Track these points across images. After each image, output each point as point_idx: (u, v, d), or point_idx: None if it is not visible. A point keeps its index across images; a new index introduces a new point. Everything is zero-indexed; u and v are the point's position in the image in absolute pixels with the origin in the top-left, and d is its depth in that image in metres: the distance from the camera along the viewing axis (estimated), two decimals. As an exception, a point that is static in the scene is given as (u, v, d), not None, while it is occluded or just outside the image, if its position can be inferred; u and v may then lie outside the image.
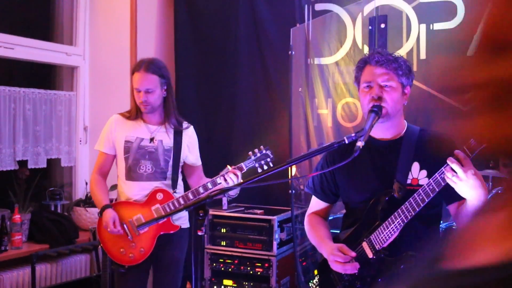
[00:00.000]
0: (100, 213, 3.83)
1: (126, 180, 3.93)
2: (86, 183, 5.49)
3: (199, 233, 2.28)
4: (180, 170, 4.06)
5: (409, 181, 2.57)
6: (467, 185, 2.26)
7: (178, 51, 6.00)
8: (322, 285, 2.87)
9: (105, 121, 4.03)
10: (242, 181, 3.63)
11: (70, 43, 5.75)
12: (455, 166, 2.23)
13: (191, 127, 4.11)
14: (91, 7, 5.80)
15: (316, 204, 2.92)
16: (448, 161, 2.25)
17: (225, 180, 3.68)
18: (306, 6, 5.35)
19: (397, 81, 2.58)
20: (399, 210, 2.48)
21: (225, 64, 5.83)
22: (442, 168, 2.31)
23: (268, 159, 3.82)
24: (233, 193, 3.97)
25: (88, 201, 5.38)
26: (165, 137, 3.96)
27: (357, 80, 2.68)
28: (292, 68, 5.18)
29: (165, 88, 3.92)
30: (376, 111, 2.51)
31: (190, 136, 4.09)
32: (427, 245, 2.66)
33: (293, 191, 5.02)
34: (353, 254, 2.58)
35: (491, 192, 4.01)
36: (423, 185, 2.43)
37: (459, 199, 2.41)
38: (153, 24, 5.98)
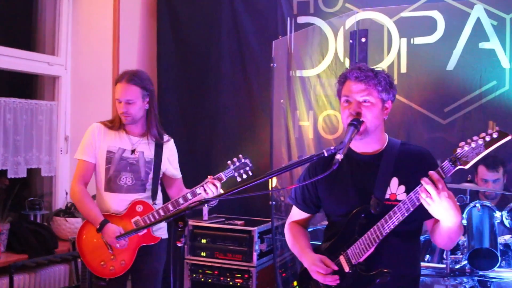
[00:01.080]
0: (100, 229, 3.75)
1: (105, 191, 3.90)
2: (66, 193, 5.45)
3: (179, 244, 2.26)
4: (159, 181, 4.05)
5: (387, 196, 2.58)
6: (440, 206, 2.28)
7: (160, 62, 6.02)
8: (301, 294, 2.89)
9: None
10: (222, 192, 3.63)
11: (52, 53, 5.73)
12: (429, 188, 2.25)
13: (171, 141, 4.10)
14: (73, 17, 5.79)
15: (297, 214, 2.94)
16: (422, 182, 2.28)
17: (205, 190, 3.69)
18: (288, 19, 5.40)
19: (376, 97, 2.60)
20: (375, 226, 2.50)
21: (207, 76, 5.85)
22: (417, 188, 2.34)
23: (247, 168, 3.81)
24: (213, 202, 3.97)
25: (68, 211, 5.35)
26: (146, 149, 3.94)
27: (339, 94, 2.70)
28: (274, 80, 5.21)
29: (147, 100, 3.90)
30: (355, 124, 2.53)
31: (170, 149, 4.08)
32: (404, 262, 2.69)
33: (274, 202, 5.03)
34: (335, 267, 2.60)
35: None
36: (401, 200, 2.45)
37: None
38: (135, 35, 5.99)
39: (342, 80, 2.67)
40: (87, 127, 3.96)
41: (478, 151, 2.23)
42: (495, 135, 2.22)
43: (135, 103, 3.83)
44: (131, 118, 3.85)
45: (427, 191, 2.26)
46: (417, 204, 2.34)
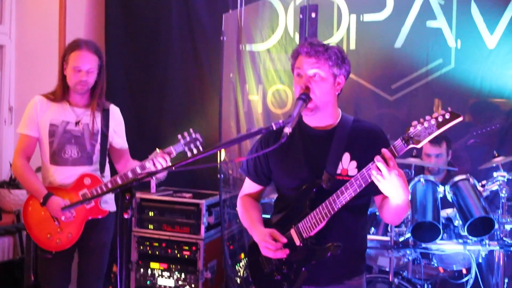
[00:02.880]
0: (44, 203, 3.69)
1: (51, 165, 3.82)
2: (10, 165, 5.33)
3: (125, 216, 2.25)
4: (107, 154, 3.99)
5: (339, 171, 2.61)
6: (390, 184, 2.33)
7: (108, 33, 5.89)
8: (250, 267, 2.90)
9: (32, 101, 3.91)
10: (170, 164, 3.62)
11: (-4, 20, 5.57)
12: (380, 165, 2.29)
13: (118, 110, 4.05)
14: (18, -17, 5.62)
15: (249, 186, 2.95)
16: (375, 160, 2.31)
17: (154, 164, 3.67)
18: (239, -9, 5.37)
19: (327, 71, 2.61)
20: (326, 201, 2.53)
21: (156, 48, 5.78)
22: (369, 164, 2.38)
23: (198, 143, 3.81)
24: (161, 176, 3.95)
25: (12, 183, 5.24)
26: (91, 121, 3.86)
27: (292, 68, 2.72)
28: (223, 53, 5.19)
29: (99, 71, 3.86)
30: (304, 98, 2.54)
31: (116, 119, 4.02)
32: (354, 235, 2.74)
33: (222, 175, 5.05)
34: (284, 240, 2.62)
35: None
36: (352, 175, 2.49)
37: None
38: (83, 4, 5.84)
39: (295, 55, 2.68)
40: (32, 97, 3.86)
41: (431, 130, 2.28)
42: (447, 116, 2.26)
43: (93, 73, 3.78)
44: (87, 88, 3.79)
45: (379, 168, 2.29)
46: (369, 181, 2.38)
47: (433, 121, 2.27)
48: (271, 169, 2.81)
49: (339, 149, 2.63)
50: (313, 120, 2.69)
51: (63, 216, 3.67)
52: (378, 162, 2.29)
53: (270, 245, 2.61)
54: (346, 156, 2.62)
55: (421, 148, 4.62)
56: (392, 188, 2.34)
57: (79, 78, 3.74)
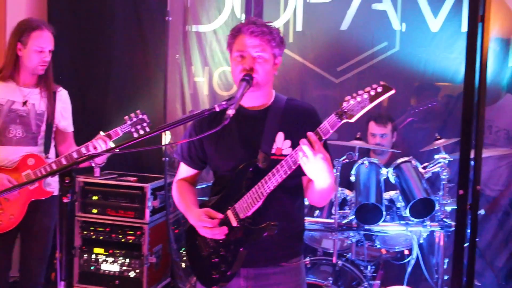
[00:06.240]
0: None
1: (-6, 144, 3.78)
2: None
3: (65, 200, 2.20)
4: (52, 135, 3.94)
5: (273, 151, 2.61)
6: (314, 167, 2.33)
7: (51, 13, 5.70)
8: (188, 251, 2.88)
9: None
10: (113, 146, 3.57)
11: None
12: (305, 148, 2.29)
13: (65, 92, 4.01)
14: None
15: (184, 170, 2.92)
16: (300, 142, 2.31)
17: (95, 147, 3.62)
18: (185, -29, 5.29)
19: (270, 53, 2.60)
20: (262, 180, 2.52)
21: (101, 28, 5.64)
22: (298, 146, 2.38)
23: (145, 124, 3.78)
24: (100, 161, 3.89)
25: None
26: (38, 101, 3.82)
27: (230, 47, 2.68)
28: (169, 34, 5.11)
29: None
30: (248, 80, 2.52)
31: (63, 101, 3.98)
32: (290, 215, 2.75)
33: (167, 158, 4.99)
34: (220, 216, 2.61)
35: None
36: (287, 154, 2.48)
37: None
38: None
39: (235, 33, 2.64)
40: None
41: (364, 104, 2.28)
42: (379, 89, 2.27)
43: (51, 53, 3.79)
44: (46, 68, 3.78)
45: (304, 151, 2.29)
46: (298, 162, 2.38)
47: (365, 95, 2.28)
48: (206, 153, 2.78)
49: (273, 128, 2.63)
50: (247, 101, 2.67)
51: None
52: (304, 145, 2.29)
53: (206, 223, 2.58)
54: (280, 135, 2.62)
55: (367, 127, 4.66)
56: (317, 171, 2.34)
57: (42, 58, 3.74)
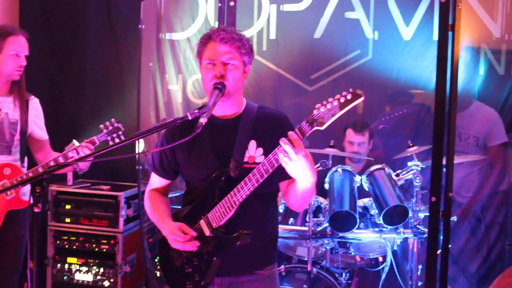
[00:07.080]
0: None
1: (-32, 154, 3.74)
2: None
3: (36, 210, 2.18)
4: (26, 144, 3.91)
5: (246, 159, 2.62)
6: (297, 165, 2.33)
7: (23, 20, 5.65)
8: (162, 262, 2.87)
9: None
10: (87, 154, 3.54)
11: None
12: (287, 147, 2.29)
13: (37, 100, 3.98)
14: None
15: (156, 181, 2.90)
16: (280, 142, 2.31)
17: (78, 154, 3.59)
18: (158, -21, 5.28)
19: (240, 60, 2.61)
20: (235, 189, 2.52)
21: (73, 36, 5.60)
22: (276, 149, 2.38)
23: (120, 132, 3.76)
24: (84, 166, 3.86)
25: None
26: (11, 110, 3.79)
27: (200, 55, 2.68)
28: (142, 42, 5.08)
29: None
30: (220, 88, 2.52)
31: (36, 109, 3.95)
32: (264, 223, 2.75)
33: (140, 167, 4.95)
34: (194, 233, 2.60)
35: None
36: (259, 163, 2.48)
37: (289, 177, 2.49)
38: (-6, -12, 5.60)
39: (205, 41, 2.64)
40: None
41: (334, 112, 2.29)
42: (349, 97, 2.29)
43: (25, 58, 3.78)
44: (20, 76, 3.78)
45: (286, 151, 2.29)
46: (276, 165, 2.38)
47: (335, 103, 2.29)
48: (178, 163, 2.77)
49: (245, 136, 2.64)
50: (219, 110, 2.67)
51: None
52: (285, 144, 2.28)
53: (178, 238, 2.57)
54: (252, 144, 2.63)
55: (344, 135, 4.69)
56: (300, 169, 2.34)
57: (19, 63, 3.73)
